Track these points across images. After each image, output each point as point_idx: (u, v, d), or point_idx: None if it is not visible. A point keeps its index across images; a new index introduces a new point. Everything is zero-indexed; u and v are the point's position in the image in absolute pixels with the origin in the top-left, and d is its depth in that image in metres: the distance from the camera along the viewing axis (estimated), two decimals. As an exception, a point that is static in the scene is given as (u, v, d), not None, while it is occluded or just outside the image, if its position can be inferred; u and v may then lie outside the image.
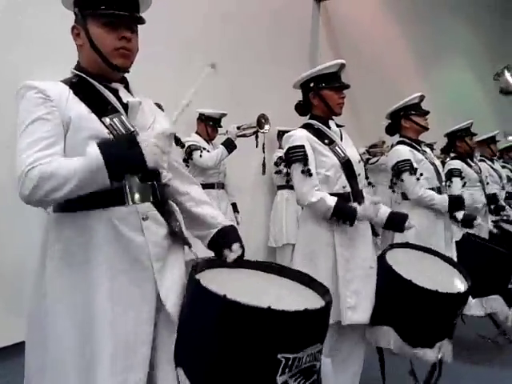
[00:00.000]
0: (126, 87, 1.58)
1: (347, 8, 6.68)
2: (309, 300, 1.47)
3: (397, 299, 2.23)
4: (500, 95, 10.60)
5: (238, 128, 4.26)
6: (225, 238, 1.64)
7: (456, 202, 3.20)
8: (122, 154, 1.36)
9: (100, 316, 1.38)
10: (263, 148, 4.28)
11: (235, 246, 1.60)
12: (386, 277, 2.27)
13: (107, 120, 1.44)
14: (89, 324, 1.39)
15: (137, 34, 1.53)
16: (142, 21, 1.53)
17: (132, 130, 1.47)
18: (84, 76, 1.51)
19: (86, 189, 1.34)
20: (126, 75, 1.61)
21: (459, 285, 2.23)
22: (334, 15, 6.59)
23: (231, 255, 1.58)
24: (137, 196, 1.46)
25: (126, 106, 1.51)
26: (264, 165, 4.40)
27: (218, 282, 1.42)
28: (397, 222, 2.50)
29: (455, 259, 3.07)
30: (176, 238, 1.54)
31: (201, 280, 1.34)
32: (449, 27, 9.51)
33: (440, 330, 2.25)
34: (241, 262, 1.61)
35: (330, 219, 2.30)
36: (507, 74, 3.57)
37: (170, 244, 1.53)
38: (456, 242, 3.25)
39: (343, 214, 2.28)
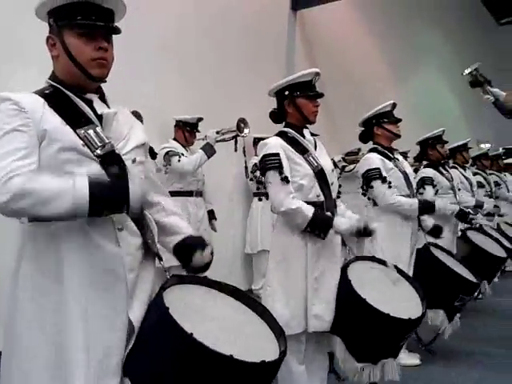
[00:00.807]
0: (102, 97, 1.58)
1: (323, 17, 6.77)
2: (267, 344, 1.51)
3: (350, 313, 2.28)
4: (472, 105, 10.84)
5: (218, 133, 4.27)
6: (195, 242, 1.64)
7: (426, 208, 3.25)
8: (109, 197, 1.38)
9: (74, 325, 1.38)
10: (244, 152, 4.28)
11: (207, 251, 1.60)
12: (345, 290, 2.32)
13: (82, 132, 1.45)
14: (62, 332, 1.38)
15: (112, 43, 1.54)
16: (117, 31, 1.54)
17: (107, 141, 1.47)
18: (59, 87, 1.51)
19: (62, 216, 1.34)
20: (105, 85, 1.61)
21: (413, 310, 2.26)
22: (309, 24, 6.68)
23: (201, 259, 1.58)
24: None
25: (100, 117, 1.51)
26: (246, 168, 4.40)
27: (185, 307, 1.44)
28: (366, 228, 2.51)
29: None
30: (148, 249, 1.55)
31: (170, 308, 1.35)
32: (422, 37, 9.71)
33: (386, 349, 2.32)
34: (209, 282, 1.62)
35: (303, 230, 2.32)
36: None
37: (142, 255, 1.53)
38: (417, 249, 3.30)
39: (318, 225, 2.31)
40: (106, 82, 1.56)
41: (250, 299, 1.65)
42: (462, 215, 4.09)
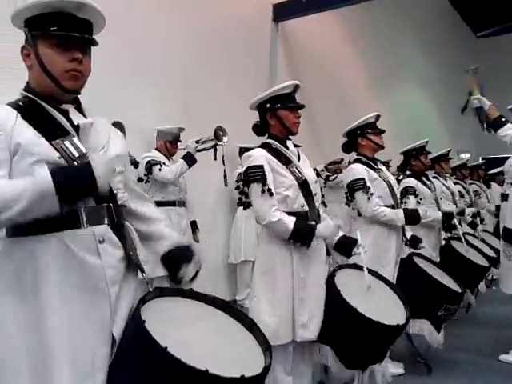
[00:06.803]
0: (78, 107, 1.54)
1: (305, 28, 6.82)
2: (252, 358, 1.47)
3: (340, 322, 2.30)
4: (452, 115, 11.00)
5: (197, 142, 4.28)
6: (182, 253, 1.63)
7: (412, 215, 3.27)
8: (73, 178, 1.34)
9: (56, 343, 1.34)
10: (223, 160, 4.29)
11: (193, 262, 1.60)
12: (334, 299, 2.33)
13: (58, 143, 1.41)
14: (43, 351, 1.34)
15: (89, 55, 1.51)
16: (94, 43, 1.50)
17: (84, 152, 1.44)
18: (33, 97, 1.47)
19: (34, 212, 1.30)
20: (87, 96, 1.57)
21: (399, 316, 2.32)
22: (292, 35, 6.73)
23: (189, 271, 1.59)
24: (93, 218, 1.43)
25: (77, 128, 1.47)
26: (225, 176, 4.40)
27: (164, 320, 1.42)
28: (345, 247, 2.59)
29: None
30: (130, 261, 1.52)
31: (146, 321, 1.33)
32: (403, 49, 9.85)
33: (374, 355, 2.36)
34: (192, 293, 1.61)
35: (287, 240, 2.33)
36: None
37: (124, 267, 1.50)
38: (400, 259, 3.31)
39: (301, 235, 2.32)
40: (80, 94, 1.53)
41: (236, 311, 1.64)
42: (446, 222, 4.12)
